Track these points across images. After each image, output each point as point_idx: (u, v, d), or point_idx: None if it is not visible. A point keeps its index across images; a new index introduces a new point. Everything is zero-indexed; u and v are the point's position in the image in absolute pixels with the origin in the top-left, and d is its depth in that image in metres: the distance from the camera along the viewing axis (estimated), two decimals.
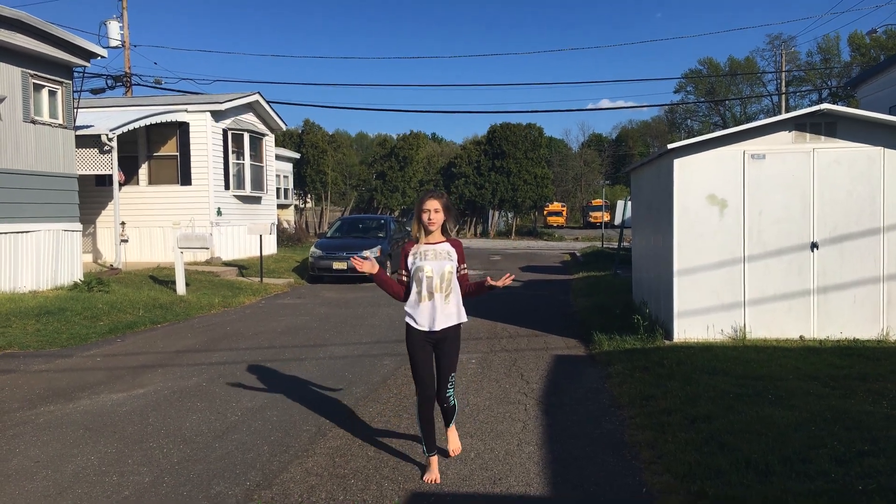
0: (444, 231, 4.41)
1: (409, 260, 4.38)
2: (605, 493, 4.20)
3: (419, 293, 4.33)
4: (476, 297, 4.46)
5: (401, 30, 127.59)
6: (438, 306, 4.30)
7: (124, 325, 10.15)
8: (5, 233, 11.80)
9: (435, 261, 4.31)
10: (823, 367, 6.75)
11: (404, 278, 4.42)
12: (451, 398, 4.52)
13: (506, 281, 4.21)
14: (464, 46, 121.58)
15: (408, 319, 4.41)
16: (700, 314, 8.20)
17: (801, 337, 8.08)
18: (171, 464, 4.70)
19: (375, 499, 4.14)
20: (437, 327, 4.31)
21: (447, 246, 4.40)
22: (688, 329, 8.22)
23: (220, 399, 6.30)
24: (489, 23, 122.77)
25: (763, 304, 8.13)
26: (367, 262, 4.29)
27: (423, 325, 4.35)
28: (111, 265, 16.00)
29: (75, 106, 13.77)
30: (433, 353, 4.42)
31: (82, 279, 12.98)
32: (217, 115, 18.54)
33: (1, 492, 4.24)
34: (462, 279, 4.44)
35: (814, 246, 8.08)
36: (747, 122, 8.88)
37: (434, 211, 4.32)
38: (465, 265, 4.48)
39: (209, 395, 6.41)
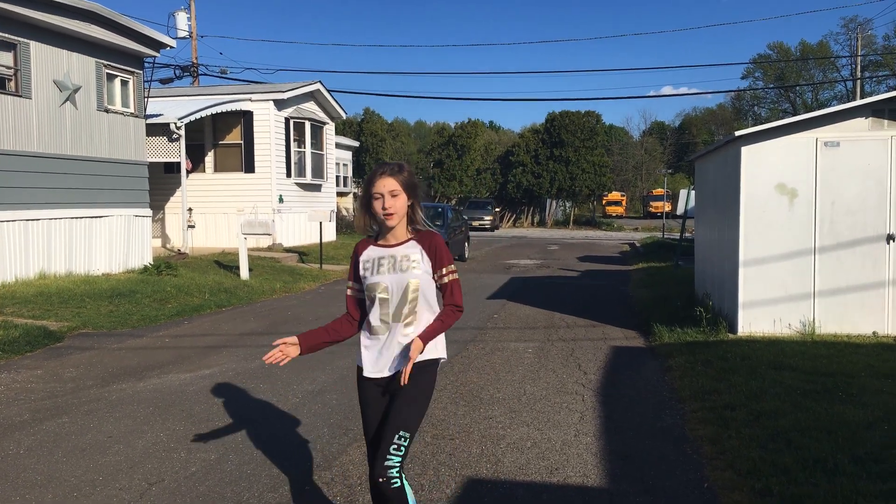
0: (410, 221, 2.97)
1: (360, 269, 2.99)
2: (666, 487, 4.13)
3: (370, 321, 2.96)
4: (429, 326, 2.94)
5: (460, 17, 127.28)
6: (395, 341, 2.91)
7: (191, 307, 10.49)
8: (81, 217, 12.34)
9: (393, 273, 2.91)
10: None
11: (350, 292, 3.07)
12: (395, 476, 2.76)
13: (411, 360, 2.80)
14: (524, 33, 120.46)
15: (358, 358, 3.04)
16: (766, 307, 7.95)
17: (874, 333, 7.75)
18: (235, 443, 4.84)
19: (432, 483, 4.17)
20: (389, 371, 2.94)
21: (411, 247, 2.93)
22: (753, 322, 7.99)
23: (281, 382, 6.46)
24: (549, 8, 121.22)
25: (834, 298, 7.82)
26: (280, 355, 2.95)
27: (368, 368, 2.96)
28: (178, 250, 16.56)
29: (145, 95, 14.25)
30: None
31: (152, 263, 13.47)
32: (279, 104, 18.90)
33: (76, 465, 4.46)
34: (448, 291, 2.96)
35: (890, 238, 7.72)
36: (819, 109, 8.53)
37: (390, 194, 2.85)
38: (446, 269, 2.96)
39: (271, 378, 6.58)
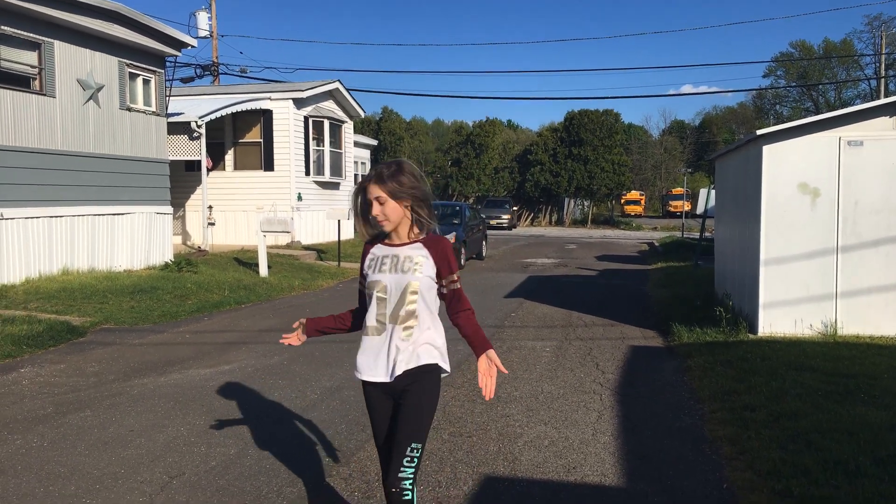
0: (418, 224, 2.90)
1: (365, 266, 2.98)
2: (684, 487, 4.11)
3: (366, 322, 2.93)
4: (471, 339, 2.93)
5: (478, 16, 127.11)
6: (392, 344, 2.84)
7: (211, 304, 10.59)
8: (104, 214, 12.49)
9: (393, 273, 2.87)
10: None
11: (361, 287, 3.07)
12: (407, 488, 2.75)
13: (500, 369, 2.85)
14: (542, 32, 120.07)
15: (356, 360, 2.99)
16: (787, 307, 7.87)
17: None
18: (254, 438, 4.89)
19: (449, 480, 4.19)
20: (389, 376, 2.85)
21: (416, 249, 2.88)
22: (774, 323, 7.91)
23: (300, 378, 6.50)
24: (568, 7, 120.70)
25: (857, 298, 7.73)
26: (294, 337, 3.15)
27: (364, 371, 2.90)
28: (199, 247, 16.71)
29: (167, 94, 14.40)
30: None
31: (172, 260, 13.61)
32: (298, 103, 19.00)
33: (99, 458, 4.53)
34: (452, 298, 2.92)
35: None
36: (842, 108, 8.43)
37: (377, 202, 2.82)
38: (456, 275, 2.92)
39: (290, 374, 6.63)
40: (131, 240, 13.18)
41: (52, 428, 5.08)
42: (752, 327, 8.07)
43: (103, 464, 4.42)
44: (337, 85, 20.83)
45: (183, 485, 4.11)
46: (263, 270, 13.54)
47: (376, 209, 2.81)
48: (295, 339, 3.13)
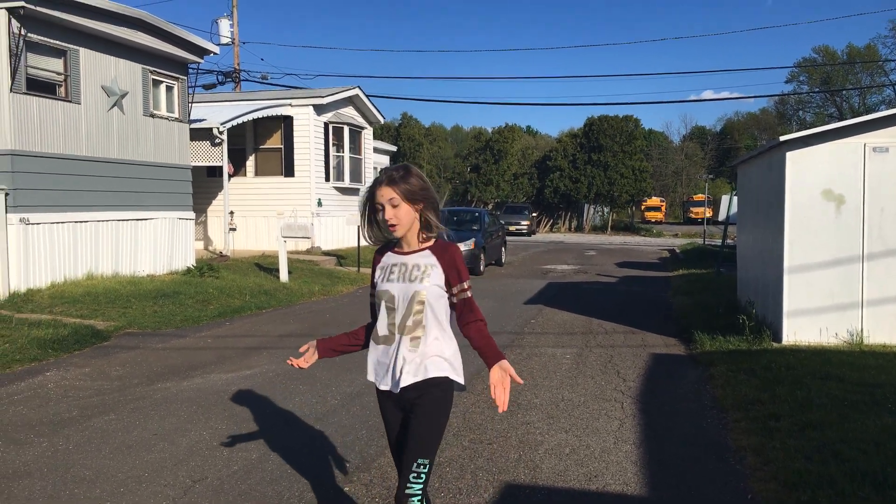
0: (425, 228, 2.80)
1: (376, 276, 2.91)
2: (708, 497, 4.06)
3: (376, 330, 2.86)
4: (483, 350, 2.76)
5: (497, 22, 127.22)
6: (399, 354, 2.76)
7: (232, 309, 10.67)
8: (127, 220, 12.65)
9: (401, 282, 2.78)
10: None
11: (372, 299, 2.95)
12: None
13: (515, 379, 2.65)
14: (562, 38, 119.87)
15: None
16: (812, 315, 7.76)
17: None
18: (276, 442, 4.91)
19: (470, 487, 4.18)
20: (395, 387, 2.78)
21: (425, 257, 2.79)
22: (798, 331, 7.81)
23: (321, 383, 6.53)
24: (588, 13, 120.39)
25: (883, 307, 7.60)
26: (301, 360, 3.01)
27: (376, 378, 2.88)
28: (220, 252, 16.86)
29: (189, 101, 14.56)
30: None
31: (194, 265, 13.73)
32: (319, 109, 19.13)
33: (123, 461, 4.57)
34: (463, 308, 2.79)
35: None
36: (867, 114, 8.32)
37: (390, 204, 2.72)
38: (467, 283, 2.80)
39: (311, 379, 6.65)
40: (154, 245, 13.33)
41: (77, 431, 5.15)
42: (776, 335, 7.98)
43: (127, 467, 4.47)
44: (357, 91, 20.95)
45: (206, 489, 4.14)
46: (284, 276, 13.62)
47: (389, 213, 2.72)
48: (303, 361, 2.99)
